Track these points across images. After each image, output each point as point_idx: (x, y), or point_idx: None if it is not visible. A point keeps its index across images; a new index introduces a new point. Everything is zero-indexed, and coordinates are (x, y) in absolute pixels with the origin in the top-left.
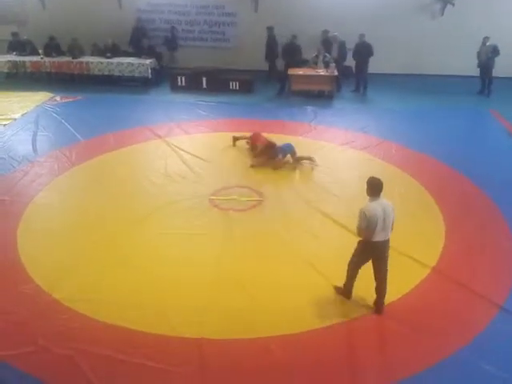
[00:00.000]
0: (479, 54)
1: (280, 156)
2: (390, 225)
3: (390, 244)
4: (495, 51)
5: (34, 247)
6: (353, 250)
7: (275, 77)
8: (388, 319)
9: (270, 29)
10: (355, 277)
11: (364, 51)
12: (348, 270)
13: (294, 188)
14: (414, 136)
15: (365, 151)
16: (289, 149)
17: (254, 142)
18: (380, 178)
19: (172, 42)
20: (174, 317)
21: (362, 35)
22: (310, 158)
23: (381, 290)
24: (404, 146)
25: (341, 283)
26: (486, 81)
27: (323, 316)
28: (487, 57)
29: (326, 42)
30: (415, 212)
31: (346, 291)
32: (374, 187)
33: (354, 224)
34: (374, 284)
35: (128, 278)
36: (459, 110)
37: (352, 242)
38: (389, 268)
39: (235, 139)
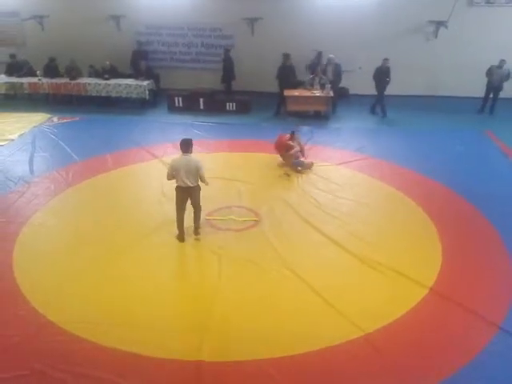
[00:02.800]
0: (491, 75)
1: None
2: (191, 176)
3: (387, 263)
4: (509, 76)
5: (29, 268)
6: (352, 272)
7: (231, 98)
8: (386, 340)
9: (227, 50)
10: (181, 220)
11: (384, 76)
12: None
13: (290, 207)
14: (410, 156)
15: (361, 171)
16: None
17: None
18: (189, 139)
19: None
20: (172, 339)
21: (385, 60)
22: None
23: (196, 217)
24: (400, 165)
25: (339, 304)
26: (488, 100)
27: (321, 337)
28: (501, 80)
29: (315, 65)
30: (411, 231)
31: (179, 235)
32: (182, 146)
33: (351, 244)
34: (368, 307)
35: (124, 299)
36: (456, 132)
37: (350, 263)
38: (386, 288)
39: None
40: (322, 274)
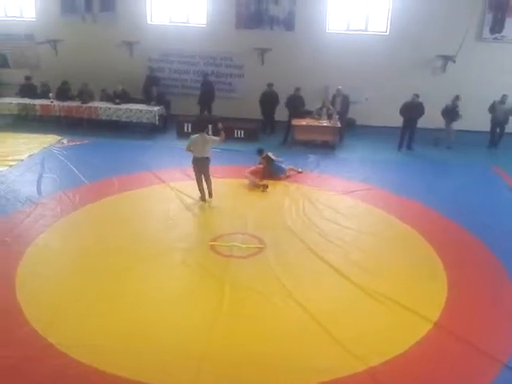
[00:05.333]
0: (494, 110)
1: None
2: (206, 149)
3: (392, 295)
4: None
5: (32, 289)
6: (356, 304)
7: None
8: (389, 374)
9: (205, 75)
10: (201, 184)
11: (415, 110)
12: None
13: (294, 235)
14: (415, 187)
15: (366, 201)
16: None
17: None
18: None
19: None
20: (172, 366)
21: (415, 95)
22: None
23: (208, 184)
24: (405, 196)
25: (343, 336)
26: (495, 135)
27: (323, 370)
28: (506, 115)
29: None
30: (416, 263)
31: (202, 196)
32: (195, 127)
33: (356, 275)
34: (372, 340)
35: (125, 324)
36: (464, 166)
37: (354, 294)
38: (390, 321)
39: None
40: (325, 304)
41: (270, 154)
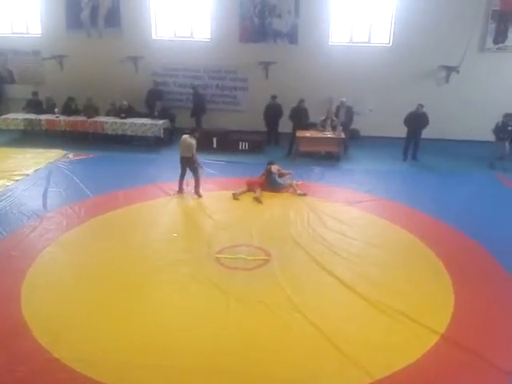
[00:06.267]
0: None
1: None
2: (184, 149)
3: (398, 307)
4: None
5: (37, 303)
6: (361, 315)
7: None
8: None
9: (194, 88)
10: (182, 177)
11: (419, 120)
12: None
13: (300, 247)
14: (420, 198)
15: (371, 211)
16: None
17: (251, 186)
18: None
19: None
20: (178, 379)
21: (420, 105)
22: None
23: (197, 183)
24: (410, 207)
25: (348, 349)
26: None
27: (329, 383)
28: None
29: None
30: (422, 274)
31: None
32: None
33: (361, 286)
34: (378, 352)
35: (130, 337)
36: (469, 176)
37: (360, 306)
38: (396, 333)
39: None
40: (330, 316)
41: (274, 167)
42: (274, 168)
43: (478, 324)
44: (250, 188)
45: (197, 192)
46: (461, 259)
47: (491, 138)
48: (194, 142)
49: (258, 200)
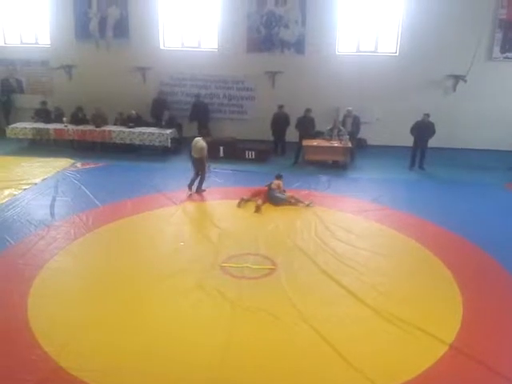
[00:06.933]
0: None
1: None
2: (196, 151)
3: (406, 317)
4: None
5: (44, 312)
6: (368, 325)
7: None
8: None
9: (197, 96)
10: (196, 175)
11: (426, 129)
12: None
13: (307, 256)
14: (428, 207)
15: (378, 221)
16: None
17: (256, 196)
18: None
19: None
20: None
21: (426, 115)
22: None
23: (201, 180)
24: (418, 216)
25: (355, 359)
26: None
27: None
28: None
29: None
30: (430, 284)
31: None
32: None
33: (369, 296)
34: (385, 363)
35: (136, 347)
36: (476, 185)
37: (367, 316)
38: (404, 343)
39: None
40: (337, 326)
41: (275, 183)
42: (275, 184)
43: (488, 334)
44: (255, 197)
45: (199, 188)
46: (469, 268)
47: (499, 146)
48: (205, 144)
49: (257, 209)
